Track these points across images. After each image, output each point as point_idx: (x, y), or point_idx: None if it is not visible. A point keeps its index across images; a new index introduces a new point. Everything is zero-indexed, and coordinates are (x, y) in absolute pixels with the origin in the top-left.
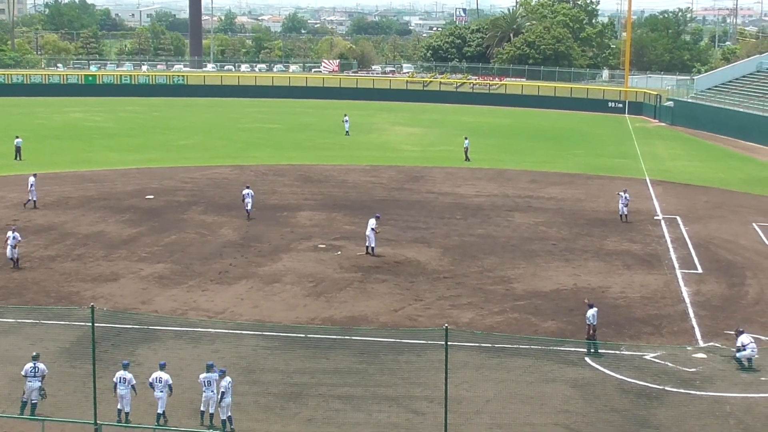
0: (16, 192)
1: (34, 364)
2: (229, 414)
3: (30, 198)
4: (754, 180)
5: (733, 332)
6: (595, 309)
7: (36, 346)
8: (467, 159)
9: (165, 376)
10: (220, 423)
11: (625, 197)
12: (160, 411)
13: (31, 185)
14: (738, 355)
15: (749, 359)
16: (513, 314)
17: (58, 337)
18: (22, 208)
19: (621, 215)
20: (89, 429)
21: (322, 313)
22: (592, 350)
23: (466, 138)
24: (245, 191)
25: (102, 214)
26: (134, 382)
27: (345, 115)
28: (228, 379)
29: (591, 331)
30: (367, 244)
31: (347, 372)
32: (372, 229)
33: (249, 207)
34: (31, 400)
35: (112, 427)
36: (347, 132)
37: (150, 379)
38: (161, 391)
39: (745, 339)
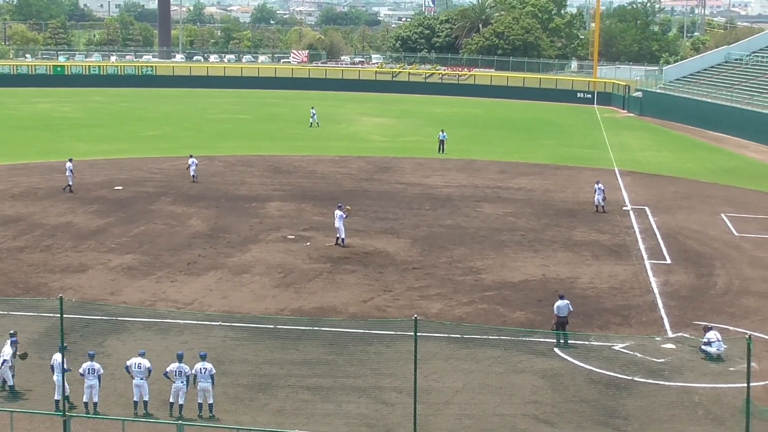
0: None
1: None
2: (211, 401)
3: (69, 183)
4: (723, 170)
5: (701, 324)
6: (565, 301)
7: (3, 338)
8: (442, 151)
9: (145, 362)
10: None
11: (600, 188)
12: (146, 399)
13: (69, 170)
14: (704, 347)
15: (718, 355)
16: (482, 305)
17: (26, 329)
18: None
19: (597, 206)
20: (57, 420)
21: (291, 303)
22: (562, 341)
23: (442, 131)
24: (190, 159)
25: (70, 205)
26: (101, 372)
27: (312, 108)
28: (203, 364)
29: (554, 321)
30: (337, 235)
31: (316, 363)
32: (342, 216)
33: (193, 173)
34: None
35: (80, 418)
36: (312, 123)
37: (128, 363)
38: (141, 379)
39: (711, 336)
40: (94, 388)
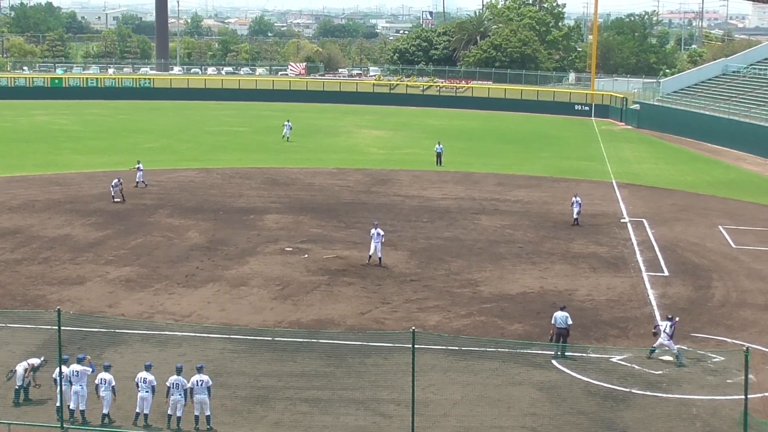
0: None
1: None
2: (208, 413)
3: (113, 194)
4: (720, 182)
5: (693, 333)
6: (565, 313)
7: (2, 350)
8: (439, 163)
9: (150, 377)
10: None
11: (578, 201)
12: (146, 412)
13: (119, 183)
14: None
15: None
16: (480, 317)
17: (24, 341)
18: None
19: (576, 218)
20: None
21: (289, 316)
22: (559, 353)
23: (438, 143)
24: (137, 165)
25: (68, 218)
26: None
27: (287, 120)
28: (199, 376)
29: (552, 332)
30: (370, 254)
31: (314, 375)
32: (380, 234)
33: (139, 179)
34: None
35: (77, 429)
36: (284, 137)
37: (135, 380)
38: (147, 391)
39: (663, 325)
40: (106, 399)
